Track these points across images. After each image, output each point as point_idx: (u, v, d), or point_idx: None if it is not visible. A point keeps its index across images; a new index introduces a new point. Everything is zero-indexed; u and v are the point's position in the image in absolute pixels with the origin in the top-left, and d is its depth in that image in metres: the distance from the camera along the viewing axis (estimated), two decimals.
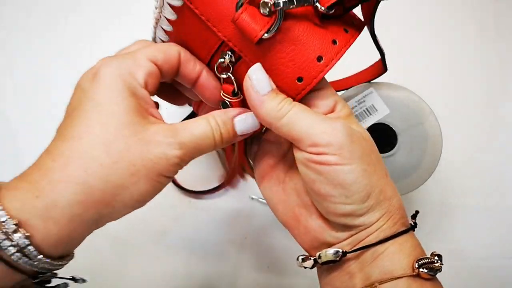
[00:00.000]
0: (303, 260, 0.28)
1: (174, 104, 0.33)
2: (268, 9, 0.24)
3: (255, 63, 0.26)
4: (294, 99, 0.26)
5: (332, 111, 0.27)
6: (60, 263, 0.23)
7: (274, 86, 0.26)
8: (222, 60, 0.27)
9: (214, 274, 0.49)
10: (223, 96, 0.28)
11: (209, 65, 0.28)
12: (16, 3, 0.59)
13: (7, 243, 0.20)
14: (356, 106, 0.42)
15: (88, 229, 0.24)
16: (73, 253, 0.25)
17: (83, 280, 0.27)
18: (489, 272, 0.49)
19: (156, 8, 0.28)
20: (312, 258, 0.28)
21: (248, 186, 0.52)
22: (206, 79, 0.28)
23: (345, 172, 0.25)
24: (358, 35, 0.28)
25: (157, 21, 0.29)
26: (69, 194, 0.21)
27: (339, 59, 0.26)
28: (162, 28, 0.29)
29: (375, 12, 0.29)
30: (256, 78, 0.25)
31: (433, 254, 0.26)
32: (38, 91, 0.55)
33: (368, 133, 0.28)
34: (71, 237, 0.22)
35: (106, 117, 0.23)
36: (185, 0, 0.26)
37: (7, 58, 0.56)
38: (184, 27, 0.28)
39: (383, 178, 0.26)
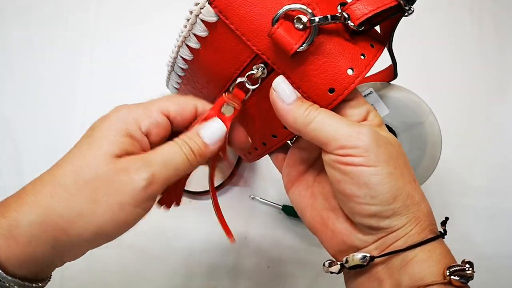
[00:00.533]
0: (330, 264, 0.28)
1: None
2: (302, 25, 0.25)
3: (286, 75, 0.27)
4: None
5: (364, 119, 0.28)
6: (36, 285, 0.24)
7: (299, 95, 0.27)
8: (253, 72, 0.28)
9: (214, 274, 0.49)
10: (227, 99, 0.28)
11: (234, 81, 0.29)
12: (16, 2, 0.59)
13: None
14: None
15: (48, 254, 0.23)
16: (50, 276, 0.25)
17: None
18: (489, 272, 0.49)
19: (186, 26, 0.29)
20: (339, 262, 0.28)
21: (248, 186, 0.52)
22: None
23: (370, 174, 0.25)
24: (383, 49, 0.29)
25: (185, 39, 0.30)
26: (31, 215, 0.22)
27: (368, 71, 0.28)
28: (188, 46, 0.30)
29: (396, 27, 0.31)
30: (281, 89, 0.27)
31: (464, 262, 0.25)
32: (37, 91, 0.55)
33: (396, 139, 0.28)
34: (32, 259, 0.23)
35: (91, 150, 0.24)
36: (220, 16, 0.27)
37: (7, 58, 0.56)
38: (214, 44, 0.29)
39: (410, 183, 0.27)
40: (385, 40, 0.33)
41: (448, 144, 0.43)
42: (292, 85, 0.27)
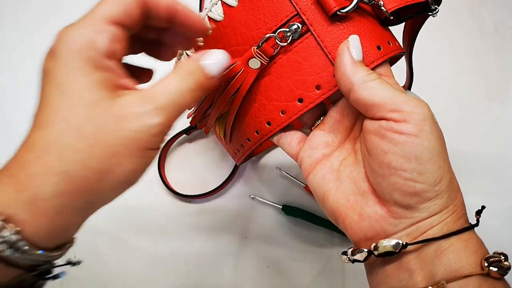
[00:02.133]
0: (353, 253, 0.26)
1: (162, 59, 0.30)
2: None
3: (320, 39, 0.28)
4: None
5: None
6: (58, 252, 0.22)
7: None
8: (286, 29, 0.28)
9: (214, 274, 0.49)
10: (255, 53, 0.29)
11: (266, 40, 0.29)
12: (17, 2, 0.59)
13: None
14: None
15: (82, 217, 0.22)
16: (73, 239, 0.24)
17: (79, 262, 0.26)
18: None
19: None
20: (366, 250, 0.26)
21: (248, 186, 0.52)
22: (183, 7, 0.25)
23: (423, 147, 0.24)
24: (402, 51, 0.31)
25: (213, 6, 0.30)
26: (50, 185, 0.20)
27: (393, 54, 0.29)
28: (224, 4, 0.30)
29: (419, 31, 0.34)
30: (355, 44, 0.26)
31: (497, 253, 0.24)
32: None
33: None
34: (65, 228, 0.22)
35: (71, 99, 0.21)
36: None
37: (9, 59, 0.56)
38: (254, 0, 0.29)
39: (451, 169, 0.25)
40: (406, 46, 0.35)
41: (448, 144, 0.43)
42: (324, 50, 0.28)
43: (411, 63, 0.39)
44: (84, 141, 0.20)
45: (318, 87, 0.29)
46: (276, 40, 0.29)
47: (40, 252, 0.21)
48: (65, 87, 0.21)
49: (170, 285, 0.49)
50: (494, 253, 0.24)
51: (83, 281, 0.48)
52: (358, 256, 0.26)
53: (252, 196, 0.51)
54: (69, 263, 0.25)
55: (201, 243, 0.50)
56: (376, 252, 0.25)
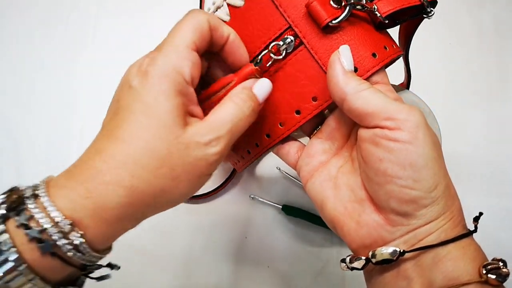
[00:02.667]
0: (351, 260, 0.26)
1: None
2: (337, 3, 0.27)
3: (314, 51, 0.28)
4: None
5: None
6: (103, 255, 0.25)
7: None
8: (281, 43, 0.29)
9: (214, 274, 0.49)
10: (255, 71, 0.28)
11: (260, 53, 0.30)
12: (17, 3, 0.59)
13: (63, 241, 0.21)
14: None
15: (132, 225, 0.25)
16: (112, 245, 0.26)
17: (118, 267, 0.28)
18: None
19: None
20: (364, 257, 0.26)
21: (248, 186, 0.52)
22: (236, 41, 0.28)
23: (418, 154, 0.24)
24: (399, 54, 0.30)
25: (217, 8, 0.30)
26: (117, 196, 0.22)
27: (389, 60, 0.29)
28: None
29: (414, 33, 0.34)
30: (346, 54, 0.26)
31: (496, 259, 0.24)
32: (38, 90, 0.55)
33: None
34: (118, 234, 0.24)
35: (152, 119, 0.23)
36: None
37: (7, 57, 0.56)
38: (249, 12, 0.29)
39: (447, 175, 0.25)
40: (402, 46, 0.35)
41: (447, 144, 0.43)
42: (318, 62, 0.28)
43: (408, 63, 0.39)
44: (155, 162, 0.23)
45: (314, 99, 0.29)
46: (271, 54, 0.29)
47: (96, 254, 0.23)
48: (150, 106, 0.23)
49: (170, 285, 0.49)
50: (492, 259, 0.24)
51: None
52: (356, 264, 0.26)
53: (252, 196, 0.51)
54: (110, 265, 0.27)
55: (201, 243, 0.50)
56: (373, 260, 0.25)
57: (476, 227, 0.26)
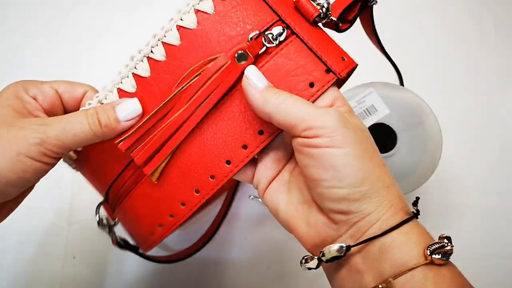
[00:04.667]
0: (306, 261, 0.27)
1: None
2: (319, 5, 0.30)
3: (305, 39, 0.29)
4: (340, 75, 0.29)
5: (331, 106, 0.28)
6: None
7: (270, 84, 0.28)
8: (272, 32, 0.29)
9: (214, 274, 0.49)
10: (246, 46, 0.28)
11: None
12: (18, 3, 0.59)
13: None
14: (356, 106, 0.42)
15: None
16: None
17: None
18: (489, 272, 0.49)
19: None
20: (316, 257, 0.27)
21: (248, 186, 0.52)
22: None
23: (336, 155, 0.25)
24: (354, 65, 0.30)
25: (166, 32, 0.30)
26: None
27: (349, 70, 0.29)
28: (199, 12, 0.30)
29: (374, 23, 0.34)
30: (253, 75, 0.27)
31: (441, 237, 0.25)
32: None
33: (365, 126, 0.28)
34: None
35: None
36: None
37: (6, 55, 0.56)
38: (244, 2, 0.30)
39: (379, 167, 0.26)
40: (374, 42, 0.35)
41: (448, 144, 0.43)
42: (312, 48, 0.29)
43: (390, 58, 0.39)
44: None
45: (311, 84, 0.29)
46: (263, 39, 0.29)
47: None
48: None
49: (169, 285, 0.49)
50: (439, 238, 0.25)
51: (83, 281, 0.48)
52: (311, 264, 0.27)
53: (252, 196, 0.51)
54: None
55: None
56: (324, 258, 0.26)
57: (417, 210, 0.26)
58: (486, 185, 0.52)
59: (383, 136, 0.40)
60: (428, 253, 0.24)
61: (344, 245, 0.25)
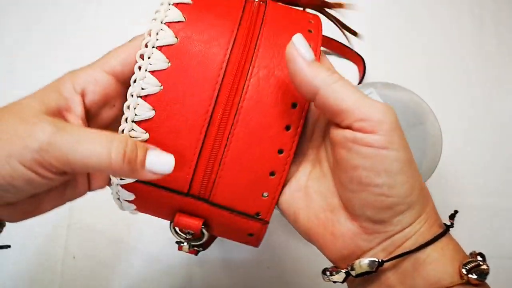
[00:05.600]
0: (331, 273, 0.25)
1: None
2: None
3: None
4: None
5: None
6: None
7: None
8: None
9: (213, 274, 0.49)
10: None
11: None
12: (18, 3, 0.59)
13: None
14: None
15: None
16: (3, 224, 0.26)
17: (7, 246, 0.27)
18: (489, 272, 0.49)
19: None
20: (343, 270, 0.24)
21: None
22: None
23: (393, 159, 0.22)
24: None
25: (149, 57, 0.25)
26: None
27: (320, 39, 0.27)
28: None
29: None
30: (302, 44, 0.23)
31: (473, 254, 0.23)
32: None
33: None
34: None
35: (22, 101, 0.23)
36: None
37: (7, 54, 0.56)
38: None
39: (420, 176, 0.24)
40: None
41: (448, 144, 0.43)
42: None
43: (353, 49, 0.38)
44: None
45: (294, 105, 0.26)
46: None
47: None
48: (15, 104, 0.23)
49: (169, 285, 0.49)
50: (470, 254, 0.24)
51: (83, 281, 0.48)
52: (336, 277, 0.25)
53: None
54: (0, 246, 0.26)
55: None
56: (353, 273, 0.24)
57: (452, 224, 0.25)
58: (486, 185, 0.52)
59: None
60: (464, 272, 0.22)
61: (377, 260, 0.23)
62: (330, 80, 0.23)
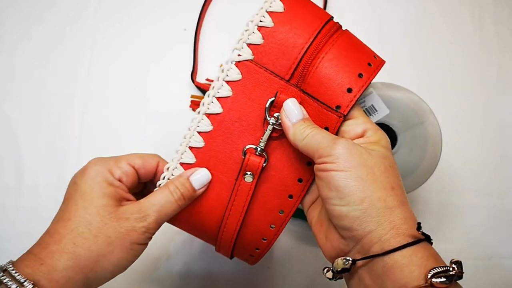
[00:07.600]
0: (327, 271, 0.31)
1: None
2: None
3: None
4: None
5: (361, 136, 0.32)
6: None
7: (307, 115, 0.32)
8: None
9: (214, 274, 0.49)
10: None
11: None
12: (17, 2, 0.59)
13: None
14: None
15: None
16: None
17: None
18: (489, 272, 0.49)
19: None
20: (331, 268, 0.30)
21: None
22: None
23: (339, 177, 0.28)
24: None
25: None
26: (63, 260, 0.29)
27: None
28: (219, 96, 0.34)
29: None
30: (289, 109, 0.32)
31: (452, 262, 0.26)
32: (38, 90, 0.55)
33: (385, 153, 0.30)
34: None
35: (88, 202, 0.31)
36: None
37: (7, 56, 0.56)
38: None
39: (386, 189, 0.28)
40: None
41: (448, 144, 0.44)
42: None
43: None
44: (92, 232, 0.30)
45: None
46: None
47: None
48: (86, 193, 0.31)
49: (169, 285, 0.49)
50: (450, 262, 0.26)
51: None
52: (328, 274, 0.30)
53: None
54: None
55: (200, 243, 0.50)
56: (334, 270, 0.29)
57: (424, 234, 0.27)
58: (486, 185, 0.52)
59: None
60: (429, 276, 0.25)
61: (350, 259, 0.28)
62: (302, 136, 0.31)
